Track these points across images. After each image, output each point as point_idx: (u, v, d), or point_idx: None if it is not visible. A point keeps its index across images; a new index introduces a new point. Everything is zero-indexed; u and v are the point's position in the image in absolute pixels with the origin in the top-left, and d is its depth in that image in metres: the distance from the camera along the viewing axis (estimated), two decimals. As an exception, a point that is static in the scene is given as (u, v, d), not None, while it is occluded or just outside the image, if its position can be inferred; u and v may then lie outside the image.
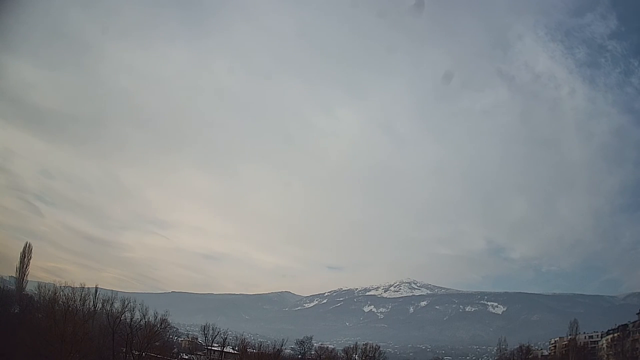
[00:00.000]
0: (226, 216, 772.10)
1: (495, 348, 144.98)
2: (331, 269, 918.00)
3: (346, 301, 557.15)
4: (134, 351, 68.97)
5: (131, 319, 74.78)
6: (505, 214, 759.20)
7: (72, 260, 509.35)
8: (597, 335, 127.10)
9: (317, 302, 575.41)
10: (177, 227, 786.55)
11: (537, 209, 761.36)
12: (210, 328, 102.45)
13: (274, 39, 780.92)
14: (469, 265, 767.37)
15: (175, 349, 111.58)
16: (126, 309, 75.59)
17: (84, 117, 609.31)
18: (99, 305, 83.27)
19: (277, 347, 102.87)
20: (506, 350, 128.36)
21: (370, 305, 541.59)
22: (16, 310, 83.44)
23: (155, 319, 79.46)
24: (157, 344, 76.21)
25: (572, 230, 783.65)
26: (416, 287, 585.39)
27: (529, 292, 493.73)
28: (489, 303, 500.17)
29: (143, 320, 75.78)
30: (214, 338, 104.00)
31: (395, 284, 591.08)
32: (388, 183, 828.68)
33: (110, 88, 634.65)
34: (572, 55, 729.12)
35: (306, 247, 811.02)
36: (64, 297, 68.17)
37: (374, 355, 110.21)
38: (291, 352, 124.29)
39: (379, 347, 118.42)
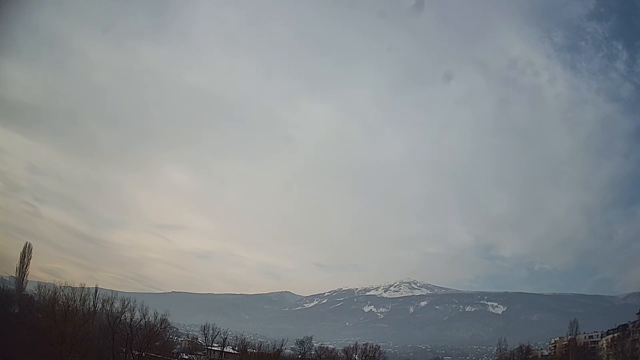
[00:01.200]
0: (215, 215, 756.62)
1: (495, 348, 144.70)
2: (324, 268, 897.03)
3: (346, 301, 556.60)
4: (134, 351, 69.13)
5: (131, 319, 74.99)
6: (491, 210, 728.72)
7: (70, 260, 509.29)
8: (597, 335, 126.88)
9: (317, 302, 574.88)
10: (169, 226, 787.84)
11: (524, 204, 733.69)
12: (210, 328, 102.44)
13: (229, 30, 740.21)
14: (460, 263, 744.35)
15: (175, 349, 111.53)
16: (126, 309, 76.05)
17: (65, 114, 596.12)
18: (99, 305, 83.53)
19: (277, 347, 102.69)
20: (506, 350, 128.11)
21: (370, 305, 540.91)
22: (16, 310, 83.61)
23: (155, 319, 79.84)
24: (157, 344, 76.45)
25: (561, 227, 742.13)
26: (416, 287, 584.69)
27: (528, 292, 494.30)
28: (489, 303, 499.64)
29: (143, 320, 76.18)
30: (214, 338, 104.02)
31: (395, 284, 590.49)
32: (377, 179, 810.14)
33: (87, 85, 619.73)
34: (550, 39, 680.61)
35: (298, 245, 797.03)
36: (63, 297, 68.58)
37: (374, 355, 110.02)
38: (291, 352, 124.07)
39: (379, 347, 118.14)
